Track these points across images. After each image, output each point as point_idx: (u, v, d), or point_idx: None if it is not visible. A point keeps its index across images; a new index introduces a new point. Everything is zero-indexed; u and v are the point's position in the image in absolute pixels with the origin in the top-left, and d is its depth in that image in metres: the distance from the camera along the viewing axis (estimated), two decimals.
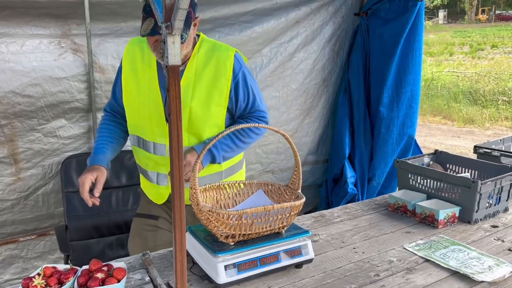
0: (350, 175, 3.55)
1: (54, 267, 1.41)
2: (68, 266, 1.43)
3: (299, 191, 1.61)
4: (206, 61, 1.76)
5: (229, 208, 1.66)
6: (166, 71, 1.05)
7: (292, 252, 1.52)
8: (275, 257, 1.49)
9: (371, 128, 3.55)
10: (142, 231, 1.97)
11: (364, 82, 3.54)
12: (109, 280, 1.33)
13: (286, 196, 1.67)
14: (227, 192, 1.68)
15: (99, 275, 1.34)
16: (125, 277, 1.36)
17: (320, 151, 3.69)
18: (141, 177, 2.02)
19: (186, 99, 1.73)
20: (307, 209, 3.75)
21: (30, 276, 1.35)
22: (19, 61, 2.40)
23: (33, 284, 1.29)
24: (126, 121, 1.89)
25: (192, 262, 1.59)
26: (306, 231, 1.59)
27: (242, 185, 1.71)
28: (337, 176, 3.65)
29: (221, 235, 1.45)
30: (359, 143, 3.58)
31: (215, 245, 1.46)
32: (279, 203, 1.66)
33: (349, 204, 2.25)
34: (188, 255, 1.61)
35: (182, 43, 1.55)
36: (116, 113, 1.95)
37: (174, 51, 1.03)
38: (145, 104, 1.79)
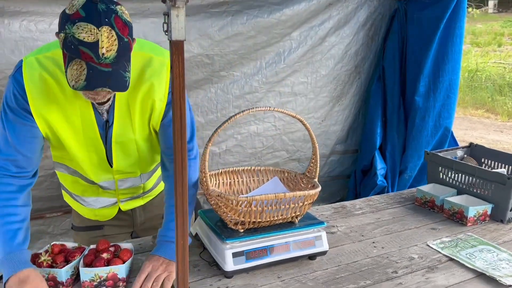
0: (380, 166, 3.42)
1: (62, 245, 1.41)
2: (76, 245, 1.42)
3: (316, 180, 1.54)
4: (138, 82, 1.37)
5: (243, 194, 1.61)
6: (169, 46, 0.99)
7: (304, 243, 1.46)
8: (286, 247, 1.43)
9: (405, 118, 3.40)
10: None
11: (399, 70, 3.37)
12: (115, 260, 1.31)
13: (302, 184, 1.60)
14: (241, 178, 1.63)
15: (105, 255, 1.32)
16: (131, 258, 1.34)
17: (350, 141, 3.57)
18: (68, 196, 1.73)
19: (128, 133, 1.43)
20: (333, 200, 3.66)
21: (38, 252, 1.35)
22: (47, 40, 2.41)
23: (39, 261, 1.29)
24: (24, 169, 1.36)
25: (203, 247, 1.55)
26: (321, 222, 1.52)
27: (257, 171, 1.65)
28: (366, 167, 3.52)
29: (231, 221, 1.40)
30: (392, 134, 3.43)
31: (224, 231, 1.41)
32: (295, 191, 1.59)
33: (373, 196, 2.15)
34: (199, 239, 1.57)
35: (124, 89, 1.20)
36: (7, 167, 1.34)
37: (178, 25, 0.97)
38: (82, 147, 1.42)
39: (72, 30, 1.10)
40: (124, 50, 1.16)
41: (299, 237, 1.45)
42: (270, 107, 1.36)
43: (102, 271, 1.28)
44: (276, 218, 1.41)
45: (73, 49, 1.11)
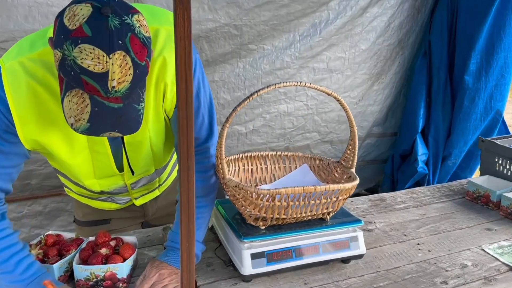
0: (421, 152, 3.13)
1: (58, 235, 1.24)
2: (73, 235, 1.25)
3: (353, 170, 1.30)
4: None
5: (266, 183, 1.39)
6: None
7: (337, 245, 1.23)
8: (315, 248, 1.21)
9: (451, 99, 3.07)
10: None
11: (448, 45, 3.04)
12: (114, 257, 1.13)
13: (336, 174, 1.36)
14: (265, 164, 1.41)
15: (104, 251, 1.14)
16: (134, 255, 1.16)
17: (389, 123, 3.28)
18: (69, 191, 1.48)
19: (141, 130, 1.12)
20: (367, 186, 3.40)
21: (31, 243, 1.18)
22: (63, 5, 2.23)
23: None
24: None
25: (219, 242, 1.36)
26: (358, 220, 1.28)
27: (284, 157, 1.43)
28: (406, 152, 3.24)
29: (250, 217, 1.19)
30: (436, 116, 3.12)
31: (242, 227, 1.20)
32: (327, 182, 1.36)
33: (416, 188, 1.89)
34: (215, 233, 1.38)
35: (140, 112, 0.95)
36: None
37: None
38: (86, 163, 1.18)
39: (73, 54, 0.84)
40: (141, 77, 0.90)
41: (331, 238, 1.23)
42: (300, 81, 1.13)
43: (99, 270, 1.10)
44: (304, 214, 1.19)
45: (73, 77, 0.85)
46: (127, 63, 0.87)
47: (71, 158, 1.14)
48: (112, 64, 0.85)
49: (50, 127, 1.04)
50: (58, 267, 1.11)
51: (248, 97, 1.10)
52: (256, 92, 1.10)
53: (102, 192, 1.34)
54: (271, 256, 1.16)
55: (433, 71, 3.08)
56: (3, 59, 1.01)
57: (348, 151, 1.32)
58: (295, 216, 1.18)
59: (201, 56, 2.48)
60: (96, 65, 0.84)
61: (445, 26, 3.00)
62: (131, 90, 0.90)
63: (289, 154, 1.41)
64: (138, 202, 1.48)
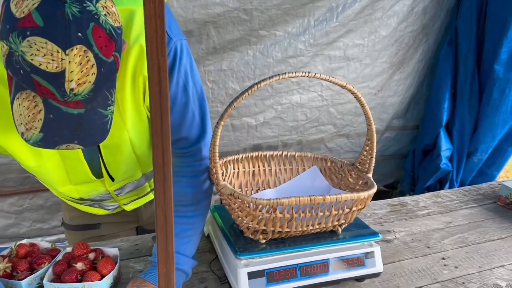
0: (445, 147, 2.91)
1: (32, 245, 1.09)
2: (49, 245, 1.11)
3: (370, 175, 1.12)
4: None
5: (270, 187, 1.22)
6: None
7: (349, 262, 1.06)
8: (323, 266, 1.04)
9: (479, 90, 2.84)
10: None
11: (476, 32, 2.79)
12: (90, 274, 0.98)
13: (350, 179, 1.19)
14: (269, 166, 1.24)
15: (79, 266, 1.00)
16: (112, 272, 1.00)
17: (410, 115, 3.06)
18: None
19: (118, 130, 0.98)
20: (386, 182, 3.21)
21: (0, 253, 1.04)
22: None
23: None
24: None
25: (215, 253, 1.20)
26: (375, 233, 1.11)
27: (291, 158, 1.26)
28: (428, 147, 3.02)
29: (248, 229, 1.03)
30: (462, 109, 2.89)
31: (240, 240, 1.04)
32: (339, 187, 1.19)
33: (441, 191, 1.70)
34: (212, 243, 1.22)
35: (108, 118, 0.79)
36: None
37: None
38: (56, 170, 1.03)
39: (20, 48, 0.67)
40: (107, 76, 0.75)
41: (342, 254, 1.05)
42: (309, 72, 0.95)
43: None
44: (312, 227, 1.02)
45: (22, 76, 0.69)
46: (88, 60, 0.70)
47: (39, 164, 0.99)
48: (69, 62, 0.68)
49: (11, 129, 0.88)
50: (27, 283, 0.97)
51: (246, 91, 0.93)
52: (256, 84, 0.93)
53: (82, 199, 1.19)
54: (272, 276, 1.00)
55: (459, 60, 2.85)
56: None
57: (365, 153, 1.14)
58: (300, 229, 1.01)
59: (207, 43, 2.30)
60: (49, 63, 0.68)
61: (474, 10, 2.76)
62: (95, 92, 0.74)
63: (296, 155, 1.24)
64: (128, 208, 1.34)
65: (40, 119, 0.72)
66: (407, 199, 1.62)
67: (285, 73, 0.93)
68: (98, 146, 1.00)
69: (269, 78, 0.93)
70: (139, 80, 0.90)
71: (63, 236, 2.53)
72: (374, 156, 1.11)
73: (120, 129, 0.97)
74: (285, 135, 2.70)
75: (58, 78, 0.69)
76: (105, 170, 1.06)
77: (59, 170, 1.03)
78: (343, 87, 0.99)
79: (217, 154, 0.97)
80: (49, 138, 0.73)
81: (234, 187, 1.18)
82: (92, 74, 0.71)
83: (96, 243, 1.30)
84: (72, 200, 1.26)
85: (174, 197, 1.04)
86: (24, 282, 0.96)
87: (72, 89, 0.70)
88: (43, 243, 1.11)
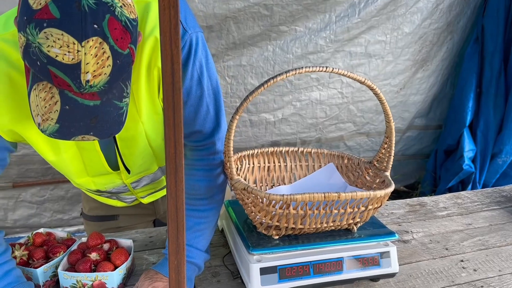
0: (468, 148, 2.84)
1: (49, 234, 1.11)
2: (65, 235, 1.12)
3: (388, 173, 1.09)
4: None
5: (285, 183, 1.21)
6: None
7: (364, 261, 1.04)
8: (337, 264, 1.03)
9: (505, 90, 2.77)
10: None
11: (504, 30, 2.72)
12: (104, 264, 0.99)
13: (367, 177, 1.17)
14: (284, 162, 1.22)
15: (94, 256, 1.01)
16: (126, 263, 1.01)
17: (433, 114, 3.00)
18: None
19: (134, 123, 0.98)
20: (406, 182, 3.15)
21: (16, 242, 1.06)
22: None
23: (12, 255, 1.00)
24: None
25: (229, 248, 1.20)
26: (391, 233, 1.08)
27: (307, 154, 1.24)
28: (451, 147, 2.96)
29: (261, 224, 1.02)
30: (487, 109, 2.82)
31: (253, 236, 1.03)
32: (356, 185, 1.16)
33: (462, 192, 1.65)
34: (226, 237, 1.22)
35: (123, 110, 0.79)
36: None
37: None
38: (74, 161, 1.04)
39: (37, 40, 0.68)
40: (123, 68, 0.74)
41: (357, 252, 1.04)
42: (326, 67, 0.93)
43: (85, 278, 0.96)
44: (326, 225, 1.00)
45: (39, 67, 0.70)
46: (104, 52, 0.70)
47: (57, 155, 1.00)
48: (85, 53, 0.68)
49: (30, 120, 0.89)
50: (42, 271, 0.98)
51: (262, 85, 0.91)
52: (272, 78, 0.92)
53: (99, 191, 1.20)
54: (284, 272, 0.99)
55: (485, 58, 2.78)
56: None
57: (383, 151, 1.12)
58: (314, 226, 0.99)
59: (227, 38, 2.30)
60: (65, 54, 0.68)
61: (502, 8, 2.68)
62: (111, 84, 0.74)
63: (312, 151, 1.22)
64: (145, 201, 1.34)
65: (56, 110, 0.72)
66: (426, 199, 1.58)
67: (301, 67, 0.91)
68: (115, 139, 1.01)
69: (285, 72, 0.92)
70: (154, 73, 0.90)
71: (82, 227, 2.57)
72: (393, 154, 1.08)
73: (135, 122, 0.97)
74: (303, 132, 2.68)
75: (74, 69, 0.69)
76: (121, 163, 1.07)
77: (77, 162, 1.04)
78: (361, 82, 0.97)
79: (232, 148, 0.96)
80: (65, 129, 0.74)
81: (248, 182, 1.17)
82: (107, 66, 0.71)
83: (111, 234, 1.31)
84: (90, 191, 1.27)
85: (187, 190, 1.04)
86: (39, 270, 0.98)
87: (88, 81, 0.70)
88: (59, 232, 1.13)
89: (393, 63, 2.65)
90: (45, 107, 0.73)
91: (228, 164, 0.98)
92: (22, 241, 1.07)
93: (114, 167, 1.08)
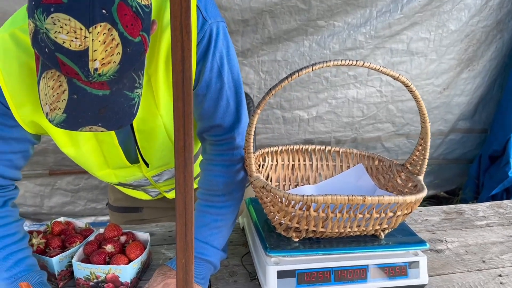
0: None
1: (68, 223, 1.11)
2: (83, 225, 1.11)
3: (421, 178, 1.02)
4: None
5: (309, 183, 1.15)
6: None
7: (391, 270, 0.97)
8: (361, 272, 0.96)
9: None
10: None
11: None
12: (118, 257, 0.97)
13: (398, 180, 1.09)
14: (310, 161, 1.17)
15: (109, 248, 0.99)
16: (140, 257, 0.99)
17: (478, 117, 2.83)
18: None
19: (152, 116, 0.96)
20: (447, 188, 3.00)
21: (35, 229, 1.06)
22: None
23: (30, 242, 1.00)
24: (4, 188, 0.97)
25: (248, 248, 1.15)
26: (421, 242, 1.01)
27: (335, 153, 1.17)
28: (496, 153, 2.78)
29: (280, 225, 0.97)
30: None
31: (271, 237, 0.99)
32: (386, 189, 1.09)
33: (505, 202, 1.53)
34: (245, 236, 1.18)
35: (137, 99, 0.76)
36: None
37: None
38: (93, 154, 1.02)
39: (45, 25, 0.66)
40: (133, 57, 0.71)
41: (383, 261, 0.97)
42: (357, 60, 0.87)
43: (99, 270, 0.95)
44: (350, 230, 0.94)
45: (47, 55, 0.67)
46: (113, 39, 0.67)
47: (75, 147, 0.98)
48: (93, 40, 0.65)
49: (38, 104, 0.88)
50: (57, 261, 0.98)
51: (286, 78, 0.86)
52: (297, 71, 0.86)
53: (121, 184, 1.18)
54: (303, 277, 0.93)
55: None
56: None
57: (417, 153, 1.04)
58: (337, 230, 0.93)
59: (263, 32, 2.25)
60: (72, 40, 0.65)
61: None
62: (121, 74, 0.71)
63: (340, 150, 1.16)
64: (170, 195, 1.32)
65: (64, 99, 0.70)
66: (464, 207, 1.48)
67: (329, 60, 0.85)
68: (133, 131, 0.99)
69: (312, 65, 0.86)
70: None
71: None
72: (427, 157, 1.00)
73: (154, 115, 0.94)
74: (338, 131, 2.59)
75: (81, 57, 0.66)
76: (140, 156, 1.05)
77: (97, 154, 1.02)
78: (395, 78, 0.90)
79: (252, 144, 0.92)
80: (72, 119, 0.71)
81: (271, 181, 1.13)
82: (117, 54, 0.68)
83: (133, 226, 1.30)
84: (113, 184, 1.26)
85: (205, 186, 1.00)
86: (54, 259, 0.97)
87: (96, 69, 0.68)
88: (78, 222, 1.12)
89: (436, 61, 2.51)
90: (53, 96, 0.70)
91: (248, 160, 0.93)
92: (41, 228, 1.07)
93: (133, 160, 1.06)
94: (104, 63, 0.67)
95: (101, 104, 0.71)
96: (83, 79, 0.69)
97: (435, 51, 2.49)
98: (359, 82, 2.46)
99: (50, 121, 0.72)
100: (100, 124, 0.73)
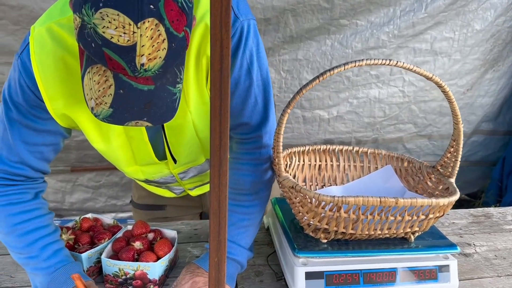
0: None
1: (96, 219, 1.12)
2: (111, 222, 1.12)
3: (453, 180, 1.00)
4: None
5: (336, 184, 1.14)
6: None
7: (420, 274, 0.96)
8: (390, 275, 0.95)
9: None
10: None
11: None
12: (146, 254, 0.97)
13: (429, 183, 1.07)
14: (337, 161, 1.15)
15: (137, 245, 0.99)
16: (168, 254, 0.99)
17: (502, 119, 2.78)
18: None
19: (181, 112, 0.93)
20: (469, 191, 2.95)
21: (64, 225, 1.07)
22: None
23: (60, 238, 1.01)
24: (30, 179, 0.98)
25: (273, 248, 1.15)
26: (452, 245, 0.99)
27: (362, 154, 1.16)
28: None
29: (309, 226, 0.96)
30: None
31: (299, 237, 0.98)
32: (415, 191, 1.08)
33: None
34: (271, 236, 1.17)
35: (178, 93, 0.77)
36: (16, 179, 0.96)
37: None
38: (121, 149, 1.02)
39: (93, 20, 0.67)
40: (177, 52, 0.72)
41: (413, 264, 0.95)
42: (390, 60, 0.85)
43: (128, 267, 0.95)
44: (380, 232, 0.93)
45: (94, 50, 0.68)
46: (159, 34, 0.67)
47: (106, 142, 0.99)
48: (141, 35, 0.66)
49: (81, 105, 0.89)
50: (87, 257, 0.99)
51: (317, 77, 0.85)
52: (329, 71, 0.85)
53: (148, 181, 1.19)
54: (332, 279, 0.92)
55: None
56: (35, 25, 0.87)
57: (449, 155, 1.02)
58: (367, 232, 0.92)
59: (284, 31, 2.24)
60: (120, 36, 0.66)
61: None
62: (165, 69, 0.71)
63: (369, 151, 1.14)
64: (194, 193, 1.33)
65: (110, 94, 0.70)
66: (492, 210, 1.45)
67: (362, 59, 0.84)
68: (163, 127, 0.99)
69: (344, 64, 0.85)
70: (202, 61, 0.87)
71: None
72: (459, 159, 0.98)
73: (183, 111, 0.94)
74: (359, 131, 2.57)
75: (129, 52, 0.67)
76: (169, 152, 1.05)
77: (126, 150, 1.03)
78: (428, 78, 0.88)
79: (281, 144, 0.91)
80: (118, 114, 0.72)
81: (297, 181, 1.12)
82: (162, 50, 0.69)
83: (157, 223, 1.31)
84: (139, 180, 1.27)
85: (232, 185, 1.00)
86: (84, 255, 0.98)
87: (142, 64, 0.68)
88: (106, 218, 1.13)
89: (460, 62, 2.47)
90: (99, 90, 0.71)
91: (276, 160, 0.93)
92: (70, 225, 1.08)
93: (162, 156, 1.07)
94: (150, 59, 0.68)
95: (147, 99, 0.72)
96: (129, 74, 0.69)
97: (459, 51, 2.44)
98: (381, 82, 2.43)
99: (96, 115, 0.73)
100: (145, 118, 0.73)
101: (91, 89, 0.72)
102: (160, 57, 0.69)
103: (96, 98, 0.71)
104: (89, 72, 0.72)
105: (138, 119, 0.73)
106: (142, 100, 0.72)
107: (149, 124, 0.75)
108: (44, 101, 0.88)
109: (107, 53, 0.67)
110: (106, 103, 0.71)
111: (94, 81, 0.71)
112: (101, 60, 0.69)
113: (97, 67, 0.71)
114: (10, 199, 0.93)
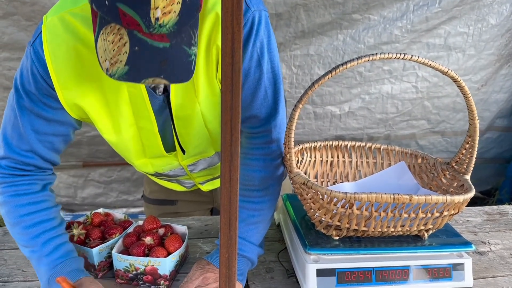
0: None
1: (107, 214, 1.12)
2: (122, 217, 1.12)
3: (468, 177, 0.98)
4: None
5: (348, 181, 1.13)
6: None
7: (434, 272, 0.94)
8: (403, 273, 0.93)
9: None
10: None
11: None
12: (157, 250, 0.97)
13: (443, 180, 1.05)
14: (349, 157, 1.14)
15: (148, 240, 0.99)
16: (179, 250, 0.99)
17: None
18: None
19: (190, 103, 0.95)
20: (482, 188, 2.91)
21: (75, 220, 1.08)
22: None
23: (70, 233, 1.01)
24: (40, 169, 0.98)
25: (284, 244, 1.14)
26: (467, 243, 0.97)
27: (375, 150, 1.14)
28: None
29: (320, 222, 0.95)
30: None
31: (311, 234, 0.97)
32: (429, 188, 1.06)
33: None
34: (282, 232, 1.16)
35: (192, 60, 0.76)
36: (21, 168, 0.95)
37: None
38: (131, 140, 1.01)
39: None
40: (191, 9, 0.71)
41: (427, 262, 0.94)
42: (405, 54, 0.84)
43: (138, 262, 0.95)
44: (393, 229, 0.91)
45: (108, 7, 0.68)
46: None
47: (117, 134, 0.99)
48: None
49: (91, 92, 0.89)
50: (97, 252, 0.99)
51: (330, 72, 0.84)
52: (342, 65, 0.84)
53: (158, 174, 1.18)
54: (344, 276, 0.91)
55: None
56: (47, 14, 0.87)
57: (464, 151, 1.00)
58: (379, 229, 0.91)
59: (296, 26, 2.22)
60: None
61: None
62: (180, 27, 0.71)
63: (382, 147, 1.12)
64: (204, 188, 1.32)
65: (126, 51, 0.70)
66: (508, 208, 1.42)
67: (376, 53, 0.82)
68: (171, 117, 0.98)
69: (357, 58, 0.84)
70: (212, 51, 0.86)
71: None
72: (475, 156, 0.96)
73: (192, 101, 0.94)
74: (371, 127, 2.54)
75: (143, 5, 0.67)
76: (177, 142, 1.04)
77: (136, 141, 1.03)
78: (444, 73, 0.86)
79: (293, 139, 0.90)
80: (134, 72, 0.71)
81: (309, 177, 1.11)
82: (177, 3, 0.68)
83: (168, 219, 1.31)
84: (150, 174, 1.27)
85: (242, 181, 0.99)
86: (95, 250, 0.98)
87: (157, 19, 0.68)
88: (117, 213, 1.13)
89: (475, 57, 2.43)
90: (114, 49, 0.71)
91: (288, 155, 0.92)
92: (81, 219, 1.09)
93: (171, 148, 1.06)
94: (165, 12, 0.68)
95: (162, 56, 0.71)
96: (144, 31, 0.69)
97: (474, 46, 2.40)
98: (393, 77, 2.40)
99: (111, 75, 0.72)
100: (162, 76, 0.72)
101: (105, 50, 0.72)
102: (175, 11, 0.69)
103: (111, 58, 0.71)
104: (102, 33, 0.71)
105: (155, 76, 0.72)
106: (158, 58, 0.71)
107: (166, 82, 0.74)
108: (56, 90, 0.88)
109: (121, 8, 0.67)
110: (121, 61, 0.71)
111: (108, 41, 0.71)
112: (115, 18, 0.69)
113: (110, 27, 0.70)
114: (18, 189, 0.93)
